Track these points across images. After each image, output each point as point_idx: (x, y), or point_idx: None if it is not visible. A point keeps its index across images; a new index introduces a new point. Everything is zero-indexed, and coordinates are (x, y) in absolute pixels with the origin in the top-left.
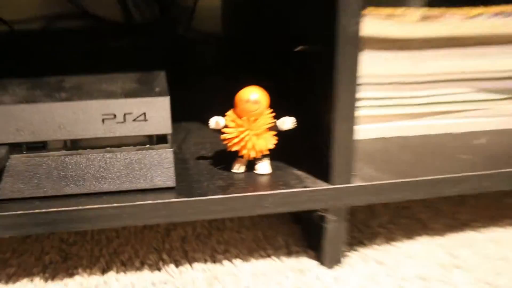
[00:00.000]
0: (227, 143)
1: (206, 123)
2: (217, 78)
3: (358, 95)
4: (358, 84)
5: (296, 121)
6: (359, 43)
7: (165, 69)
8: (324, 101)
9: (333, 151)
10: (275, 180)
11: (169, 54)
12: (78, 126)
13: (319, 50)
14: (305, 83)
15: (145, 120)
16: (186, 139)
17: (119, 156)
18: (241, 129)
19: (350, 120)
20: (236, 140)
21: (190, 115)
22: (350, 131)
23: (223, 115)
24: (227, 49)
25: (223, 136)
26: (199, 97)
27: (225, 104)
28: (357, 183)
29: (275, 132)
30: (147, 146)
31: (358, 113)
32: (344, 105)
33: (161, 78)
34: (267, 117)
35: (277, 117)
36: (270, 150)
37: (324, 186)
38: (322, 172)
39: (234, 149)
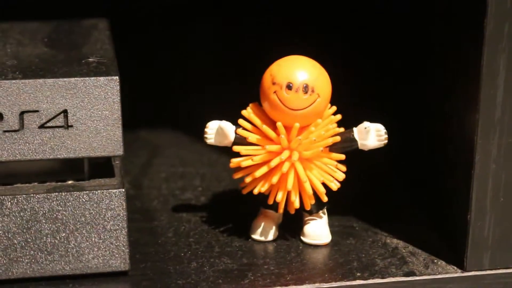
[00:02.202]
0: (243, 177)
1: (193, 132)
2: (217, 28)
3: None
4: None
5: (388, 133)
6: None
7: (108, 13)
8: (453, 89)
9: (473, 199)
10: (344, 258)
11: None
12: None
13: None
14: (408, 49)
15: (66, 126)
16: (151, 167)
17: (8, 204)
18: (274, 147)
19: None
20: (262, 172)
21: (160, 115)
22: None
23: (234, 117)
24: None
25: (234, 162)
26: (179, 74)
27: (236, 91)
28: None
29: (343, 156)
30: (70, 182)
31: None
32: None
33: (100, 33)
34: (329, 122)
35: (347, 122)
36: (331, 193)
37: (452, 273)
38: (447, 243)
39: (257, 190)
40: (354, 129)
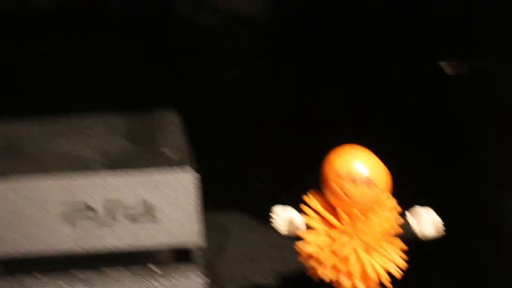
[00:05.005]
0: (309, 263)
1: (262, 215)
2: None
3: None
4: None
5: (445, 223)
6: None
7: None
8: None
9: None
10: None
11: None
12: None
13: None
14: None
15: (154, 218)
16: (224, 252)
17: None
18: (338, 235)
19: None
20: (325, 257)
21: (229, 198)
22: None
23: (304, 202)
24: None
25: (299, 246)
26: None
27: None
28: None
29: (403, 246)
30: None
31: None
32: None
33: (171, 123)
34: (389, 211)
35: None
36: (392, 280)
37: None
38: None
39: (325, 276)
40: (413, 218)
